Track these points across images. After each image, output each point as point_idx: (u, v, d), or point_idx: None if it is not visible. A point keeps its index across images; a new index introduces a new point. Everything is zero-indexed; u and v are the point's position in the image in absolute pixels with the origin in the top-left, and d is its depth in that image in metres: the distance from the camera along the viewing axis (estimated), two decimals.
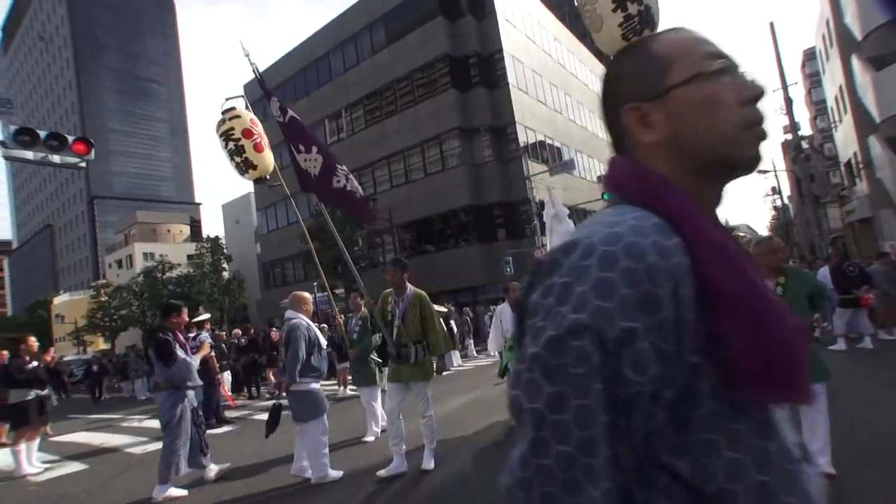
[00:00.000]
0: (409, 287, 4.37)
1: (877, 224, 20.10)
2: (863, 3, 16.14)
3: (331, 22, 29.17)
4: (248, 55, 5.18)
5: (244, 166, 5.69)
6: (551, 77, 27.97)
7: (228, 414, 8.41)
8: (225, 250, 37.67)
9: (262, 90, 5.42)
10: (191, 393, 4.80)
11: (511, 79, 23.65)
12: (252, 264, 42.80)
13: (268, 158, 5.48)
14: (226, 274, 38.51)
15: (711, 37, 0.68)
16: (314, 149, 5.13)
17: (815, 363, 2.98)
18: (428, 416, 4.33)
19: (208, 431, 7.17)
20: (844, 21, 18.96)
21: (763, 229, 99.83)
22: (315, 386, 4.49)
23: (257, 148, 5.37)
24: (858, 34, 17.01)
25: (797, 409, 2.97)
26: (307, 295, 4.93)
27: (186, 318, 4.78)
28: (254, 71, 5.27)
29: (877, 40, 16.61)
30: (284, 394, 4.52)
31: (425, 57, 24.30)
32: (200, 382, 4.86)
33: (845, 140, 24.67)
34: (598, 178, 31.90)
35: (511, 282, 5.78)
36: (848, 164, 24.90)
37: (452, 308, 16.57)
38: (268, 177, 5.76)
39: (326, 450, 4.47)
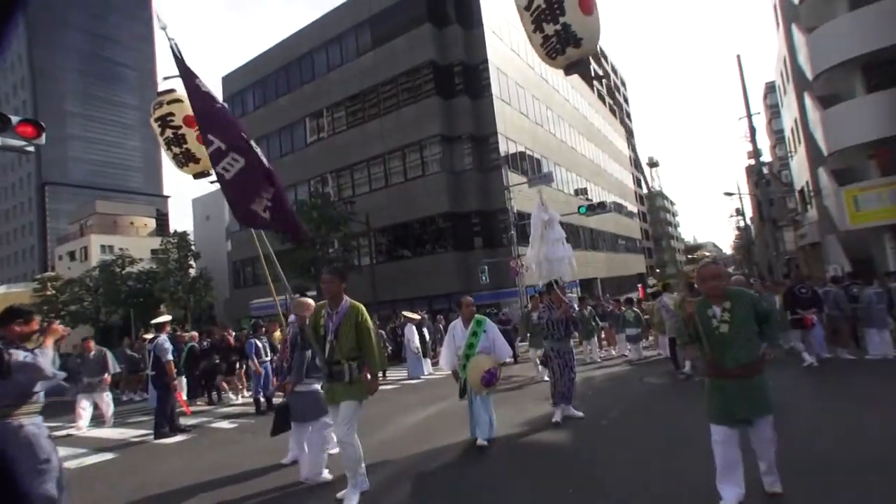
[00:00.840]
0: (346, 299, 4.00)
1: (823, 248, 21.52)
2: (813, 46, 17.47)
3: (316, 21, 29.14)
4: (164, 28, 4.47)
5: (184, 158, 5.00)
6: (534, 90, 28.71)
7: (184, 422, 7.95)
8: (193, 247, 36.69)
9: (181, 72, 4.41)
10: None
11: (495, 89, 24.20)
12: (222, 263, 41.85)
13: None
14: (192, 271, 37.51)
15: None
16: (240, 157, 4.23)
17: (760, 398, 3.02)
18: (348, 444, 3.77)
19: (163, 441, 7.05)
20: (798, 61, 20.36)
21: (727, 247, 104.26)
22: (315, 387, 4.61)
23: (201, 139, 4.47)
24: (810, 74, 18.31)
25: (748, 437, 3.17)
26: (310, 301, 4.79)
27: (36, 328, 3.37)
28: (172, 48, 4.43)
29: (825, 81, 17.94)
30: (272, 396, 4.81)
31: (411, 62, 24.59)
32: (61, 374, 3.46)
33: (799, 169, 26.31)
34: (576, 191, 32.86)
35: (465, 296, 5.59)
36: (801, 191, 26.53)
37: (426, 315, 16.79)
38: (211, 172, 4.79)
39: (328, 448, 4.66)
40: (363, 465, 3.93)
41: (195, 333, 12.30)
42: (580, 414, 6.06)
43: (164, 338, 7.83)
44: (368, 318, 4.02)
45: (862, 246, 17.58)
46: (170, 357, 7.57)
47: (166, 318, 9.20)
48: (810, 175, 22.54)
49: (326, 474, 4.48)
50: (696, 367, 7.35)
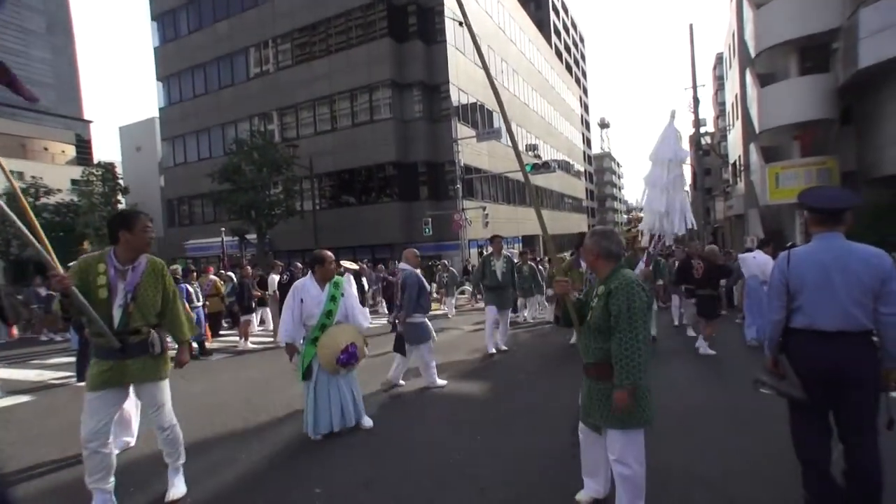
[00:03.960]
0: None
1: (746, 220, 23.13)
2: (759, 23, 17.91)
3: None
4: None
5: None
6: (490, 41, 27.97)
7: None
8: (121, 180, 34.12)
9: None
10: None
11: (449, 37, 23.38)
12: (154, 199, 39.34)
13: None
14: (120, 207, 35.07)
15: None
16: None
17: (639, 408, 2.40)
18: (170, 428, 3.22)
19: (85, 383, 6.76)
20: (745, 36, 20.94)
21: None
22: (422, 319, 5.77)
23: None
24: (753, 51, 18.91)
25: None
26: (416, 251, 6.13)
27: None
28: None
29: (766, 59, 18.61)
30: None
31: None
32: None
33: (734, 143, 27.67)
34: (526, 147, 32.99)
35: (322, 251, 4.44)
36: (734, 164, 28.06)
37: (365, 264, 16.71)
38: None
39: (434, 364, 5.84)
40: (182, 445, 3.35)
41: None
42: None
43: None
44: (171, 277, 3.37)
45: (777, 220, 19.04)
46: None
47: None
48: (743, 150, 23.79)
49: (440, 381, 5.77)
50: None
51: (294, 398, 5.54)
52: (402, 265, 6.00)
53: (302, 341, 4.32)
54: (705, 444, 3.76)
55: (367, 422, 4.45)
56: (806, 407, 2.46)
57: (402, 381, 5.94)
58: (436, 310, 14.21)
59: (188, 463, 3.62)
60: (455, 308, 13.89)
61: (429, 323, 5.86)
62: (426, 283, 5.97)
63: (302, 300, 4.25)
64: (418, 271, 5.93)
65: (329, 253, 4.44)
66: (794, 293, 2.49)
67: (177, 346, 3.35)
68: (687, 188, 6.41)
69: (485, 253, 12.19)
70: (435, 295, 15.45)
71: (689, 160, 6.11)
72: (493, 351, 7.50)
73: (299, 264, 10.32)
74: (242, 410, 5.26)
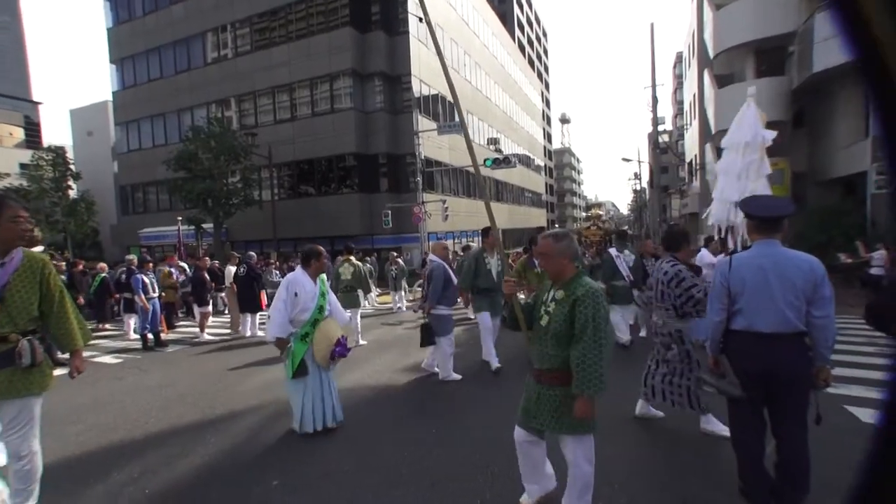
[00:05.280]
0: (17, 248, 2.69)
1: (700, 219, 23.90)
2: (719, 24, 18.39)
3: None
4: None
5: None
6: (453, 33, 27.89)
7: (63, 356, 7.66)
8: (72, 165, 32.71)
9: None
10: None
11: (412, 28, 23.21)
12: (107, 185, 37.84)
13: None
14: (72, 193, 33.66)
15: None
16: None
17: (557, 411, 2.40)
18: (27, 457, 2.68)
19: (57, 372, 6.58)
20: (704, 36, 21.50)
21: (624, 208, 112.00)
22: (447, 312, 5.83)
23: None
24: (711, 52, 19.44)
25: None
26: (445, 244, 6.49)
27: None
28: None
29: (724, 60, 19.16)
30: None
31: None
32: None
33: (691, 142, 28.49)
34: (488, 140, 33.13)
35: (313, 245, 4.50)
36: (690, 163, 28.88)
37: (300, 255, 16.52)
38: None
39: (451, 359, 5.78)
40: (37, 482, 2.78)
41: (104, 265, 12.30)
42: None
43: None
44: (58, 276, 2.90)
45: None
46: None
47: (37, 248, 8.58)
48: (699, 149, 24.51)
49: (455, 375, 5.74)
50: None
51: (251, 391, 5.62)
52: (431, 257, 6.15)
53: (290, 338, 4.17)
54: (659, 442, 3.79)
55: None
56: (743, 403, 2.60)
57: (436, 369, 5.98)
58: (386, 303, 14.29)
59: (144, 454, 3.66)
60: (406, 302, 13.93)
61: (452, 316, 5.92)
62: (453, 276, 5.97)
63: (296, 294, 4.14)
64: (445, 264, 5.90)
65: (317, 247, 4.41)
66: (734, 296, 2.60)
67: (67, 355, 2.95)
68: (766, 174, 5.57)
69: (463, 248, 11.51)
70: (379, 290, 15.52)
71: (768, 141, 5.70)
72: (498, 365, 6.07)
73: (253, 254, 10.16)
74: (199, 403, 5.26)
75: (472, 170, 22.37)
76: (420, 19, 22.73)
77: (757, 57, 18.08)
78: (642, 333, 7.53)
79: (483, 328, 6.21)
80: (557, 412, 2.40)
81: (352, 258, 8.68)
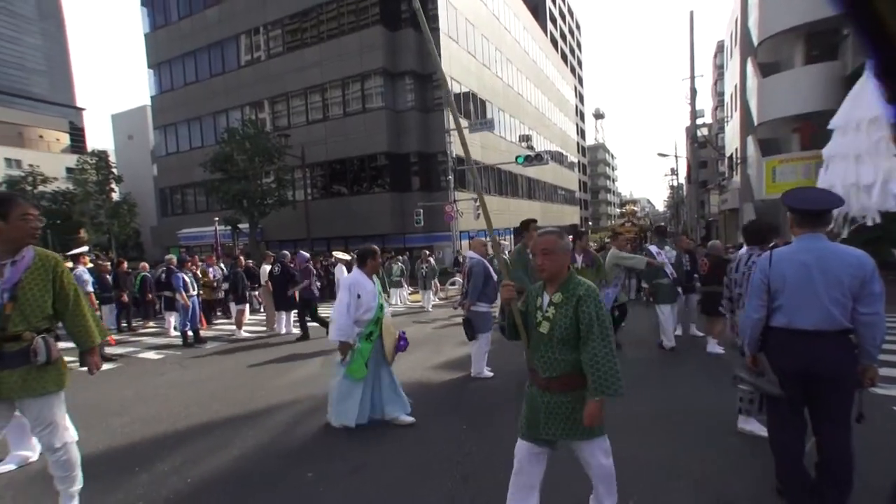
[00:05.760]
0: (28, 246, 2.67)
1: (740, 215, 22.86)
2: (766, 8, 17.42)
3: None
4: None
5: None
6: (484, 29, 27.55)
7: (110, 351, 7.88)
8: (114, 169, 33.95)
9: None
10: None
11: (443, 24, 22.99)
12: (147, 187, 39.14)
13: None
14: (115, 195, 34.93)
15: None
16: None
17: (571, 418, 2.26)
18: (62, 448, 2.74)
19: (85, 369, 6.79)
20: (748, 24, 20.49)
21: (660, 204, 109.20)
22: (487, 308, 5.79)
23: None
24: (756, 39, 18.48)
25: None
26: (485, 240, 5.88)
27: None
28: None
29: (770, 48, 18.17)
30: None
31: None
32: None
33: (732, 135, 27.30)
34: (520, 137, 32.64)
35: (369, 245, 4.59)
36: (730, 157, 27.70)
37: (355, 256, 16.56)
38: None
39: (486, 356, 5.76)
40: (79, 468, 2.87)
41: (145, 264, 12.83)
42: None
43: (81, 269, 8.20)
44: (72, 275, 2.88)
45: (773, 215, 18.78)
46: (90, 288, 7.99)
47: (83, 249, 9.31)
48: (740, 142, 23.46)
49: (487, 372, 5.72)
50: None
51: (286, 387, 5.69)
52: (470, 253, 6.08)
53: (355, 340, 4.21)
54: (694, 442, 3.71)
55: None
56: (782, 402, 2.53)
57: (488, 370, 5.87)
58: (416, 301, 14.15)
59: (185, 445, 3.77)
60: (436, 300, 13.70)
61: (491, 313, 5.92)
62: (493, 273, 5.89)
63: (359, 295, 4.20)
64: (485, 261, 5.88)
65: (371, 247, 4.57)
66: (774, 292, 2.52)
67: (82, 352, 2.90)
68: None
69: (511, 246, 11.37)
70: (410, 289, 15.42)
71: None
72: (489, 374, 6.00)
73: (287, 253, 10.19)
74: (236, 397, 5.35)
75: (503, 168, 22.06)
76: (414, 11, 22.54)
77: (807, 42, 17.09)
78: (678, 332, 7.39)
79: None
80: (570, 419, 2.29)
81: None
